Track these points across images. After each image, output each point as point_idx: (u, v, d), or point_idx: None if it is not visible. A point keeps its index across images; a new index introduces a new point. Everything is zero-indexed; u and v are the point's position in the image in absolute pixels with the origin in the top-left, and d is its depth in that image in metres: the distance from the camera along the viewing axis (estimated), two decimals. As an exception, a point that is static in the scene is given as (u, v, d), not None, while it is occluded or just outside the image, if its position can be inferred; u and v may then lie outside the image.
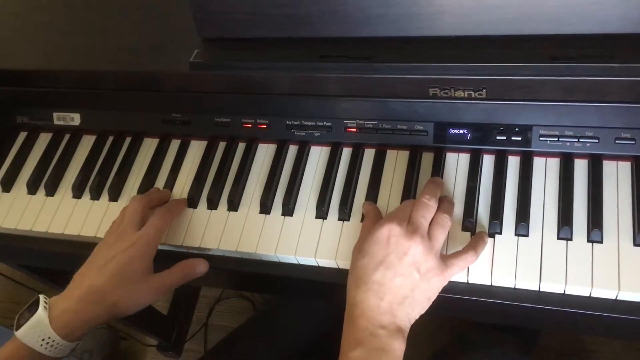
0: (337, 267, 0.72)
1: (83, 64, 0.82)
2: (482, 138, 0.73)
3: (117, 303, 0.68)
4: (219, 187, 0.79)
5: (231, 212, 0.78)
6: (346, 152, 0.79)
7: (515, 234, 0.68)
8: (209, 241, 0.76)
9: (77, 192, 0.84)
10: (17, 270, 1.12)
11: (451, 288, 0.66)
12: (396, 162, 0.76)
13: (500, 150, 0.73)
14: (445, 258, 0.64)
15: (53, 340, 0.66)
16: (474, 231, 0.69)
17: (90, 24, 0.88)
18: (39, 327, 0.65)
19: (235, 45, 0.77)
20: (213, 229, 0.77)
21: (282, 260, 0.74)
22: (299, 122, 0.79)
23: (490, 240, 0.68)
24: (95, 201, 0.83)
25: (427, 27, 0.69)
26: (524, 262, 0.66)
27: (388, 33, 0.71)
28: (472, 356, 0.83)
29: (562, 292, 0.65)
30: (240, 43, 0.77)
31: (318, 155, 0.80)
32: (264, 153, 0.82)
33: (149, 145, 0.86)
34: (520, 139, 0.71)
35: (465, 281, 0.67)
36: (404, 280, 0.61)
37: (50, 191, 0.85)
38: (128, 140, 0.88)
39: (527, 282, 0.65)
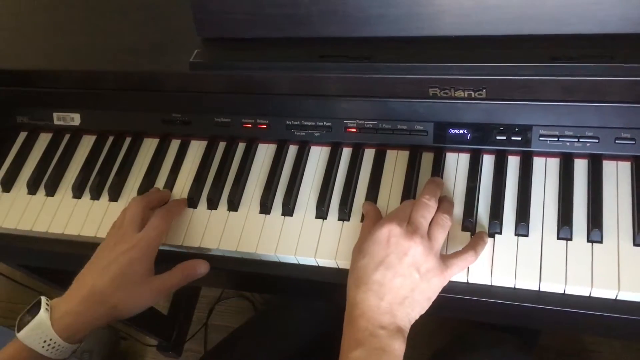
0: (337, 267, 0.72)
1: (83, 64, 0.82)
2: (482, 138, 0.73)
3: (118, 305, 0.69)
4: (219, 187, 0.79)
5: (231, 212, 0.78)
6: (346, 152, 0.79)
7: (515, 234, 0.68)
8: (209, 241, 0.76)
9: (77, 192, 0.84)
10: (17, 270, 1.12)
11: (451, 288, 0.66)
12: (396, 162, 0.76)
13: (500, 150, 0.73)
14: (445, 258, 0.64)
15: (55, 342, 0.66)
16: (473, 231, 0.69)
17: (90, 24, 0.88)
18: (40, 328, 0.66)
19: (235, 45, 0.77)
20: (213, 229, 0.77)
21: (282, 260, 0.74)
22: (299, 122, 0.79)
23: (490, 240, 0.68)
24: (95, 201, 0.83)
25: (427, 27, 0.69)
26: (523, 262, 0.66)
27: (388, 33, 0.71)
28: (472, 356, 0.83)
29: (562, 292, 0.65)
30: (240, 43, 0.77)
31: (318, 155, 0.80)
32: (264, 153, 0.82)
33: (149, 145, 0.86)
34: (520, 139, 0.71)
35: (465, 281, 0.67)
36: (404, 281, 0.61)
37: (50, 191, 0.85)
38: (128, 140, 0.88)
39: (527, 282, 0.65)
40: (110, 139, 0.88)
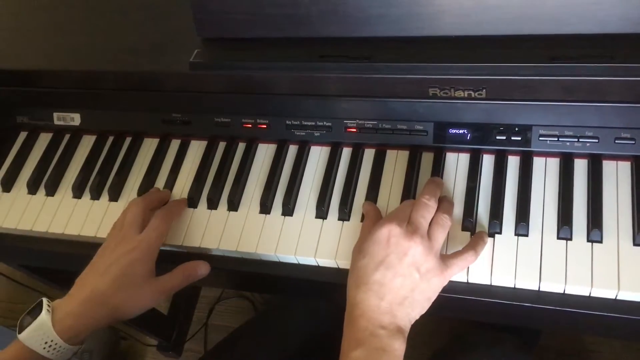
0: (337, 267, 0.72)
1: (83, 64, 0.82)
2: (482, 138, 0.73)
3: (119, 306, 0.69)
4: (219, 187, 0.79)
5: (231, 212, 0.78)
6: (346, 152, 0.79)
7: (515, 234, 0.68)
8: (209, 241, 0.76)
9: (77, 192, 0.84)
10: (18, 270, 1.12)
11: (451, 288, 0.66)
12: (396, 162, 0.76)
13: (500, 150, 0.73)
14: (445, 258, 0.64)
15: (56, 344, 0.66)
16: (473, 231, 0.69)
17: (90, 24, 0.88)
18: (42, 330, 0.66)
19: (235, 45, 0.77)
20: (213, 229, 0.77)
21: (282, 260, 0.74)
22: (299, 122, 0.79)
23: (490, 240, 0.68)
24: (96, 201, 0.83)
25: (427, 27, 0.69)
26: (523, 261, 0.66)
27: (388, 33, 0.71)
28: (472, 356, 0.83)
29: (562, 292, 0.65)
30: (240, 43, 0.77)
31: (318, 155, 0.80)
32: (264, 153, 0.82)
33: (149, 145, 0.86)
34: (520, 138, 0.71)
35: (465, 281, 0.67)
36: (404, 281, 0.61)
37: (51, 191, 0.85)
38: (128, 140, 0.88)
39: (527, 282, 0.65)
40: (110, 139, 0.88)
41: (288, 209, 0.76)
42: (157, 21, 0.84)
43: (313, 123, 0.78)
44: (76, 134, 0.90)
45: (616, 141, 0.69)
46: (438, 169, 0.74)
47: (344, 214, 0.74)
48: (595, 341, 1.33)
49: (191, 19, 0.75)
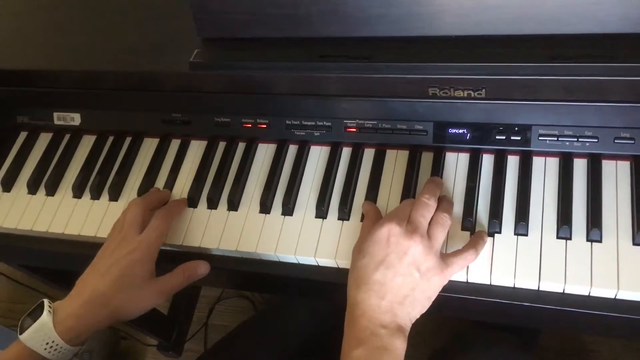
0: (336, 266, 0.72)
1: (83, 64, 0.82)
2: (481, 138, 0.73)
3: (120, 307, 0.69)
4: (219, 186, 0.79)
5: (231, 212, 0.78)
6: (346, 152, 0.79)
7: (515, 234, 0.68)
8: (209, 241, 0.76)
9: (78, 192, 0.84)
10: (18, 270, 1.12)
11: (451, 287, 0.66)
12: (396, 161, 0.77)
13: (499, 149, 0.73)
14: (445, 257, 0.64)
15: (57, 345, 0.66)
16: (473, 231, 0.69)
17: (90, 24, 0.88)
18: (43, 331, 0.66)
19: (235, 45, 0.77)
20: (213, 229, 0.77)
21: (282, 260, 0.74)
22: (298, 122, 0.79)
23: (489, 240, 0.68)
24: (96, 201, 0.83)
25: (427, 27, 0.69)
26: (523, 261, 0.66)
27: (388, 33, 0.71)
28: (472, 355, 0.83)
29: (562, 292, 0.65)
30: (240, 43, 0.77)
31: (318, 155, 0.80)
32: (264, 153, 0.82)
33: (149, 145, 0.87)
34: (519, 138, 0.71)
35: (465, 280, 0.67)
36: (404, 280, 0.61)
37: (51, 191, 0.85)
38: (128, 140, 0.88)
39: (527, 282, 0.65)
40: (110, 138, 0.89)
41: (288, 209, 0.76)
42: (157, 21, 0.84)
43: (313, 123, 0.78)
44: (76, 134, 0.90)
45: (616, 141, 0.69)
46: (438, 168, 0.74)
47: (344, 214, 0.74)
48: (595, 341, 1.33)
49: (191, 19, 0.75)
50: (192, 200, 0.79)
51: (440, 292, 0.64)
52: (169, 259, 0.74)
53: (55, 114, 0.89)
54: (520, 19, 0.66)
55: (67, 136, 0.90)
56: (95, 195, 0.83)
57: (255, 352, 0.92)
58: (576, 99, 0.67)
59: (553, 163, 0.72)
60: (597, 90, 0.65)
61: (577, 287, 0.64)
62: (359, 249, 0.65)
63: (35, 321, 0.66)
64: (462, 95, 0.69)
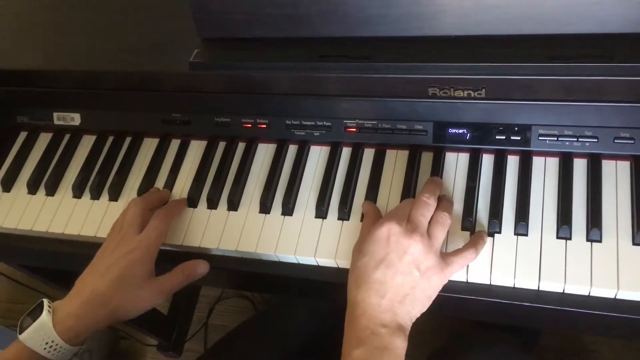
0: (336, 266, 0.72)
1: (83, 64, 0.82)
2: (481, 138, 0.73)
3: (119, 307, 0.69)
4: (219, 186, 0.79)
5: (231, 212, 0.78)
6: (346, 152, 0.79)
7: (515, 233, 0.68)
8: (209, 241, 0.76)
9: (77, 192, 0.84)
10: (18, 270, 1.12)
11: (451, 287, 0.66)
12: (396, 161, 0.77)
13: (499, 149, 0.73)
14: (445, 256, 0.64)
15: (56, 344, 0.66)
16: (473, 230, 0.69)
17: (90, 24, 0.88)
18: (42, 330, 0.66)
19: (235, 45, 0.77)
20: (213, 229, 0.77)
21: (282, 260, 0.74)
22: (298, 122, 0.79)
23: (489, 240, 0.68)
24: (96, 201, 0.83)
25: (427, 26, 0.69)
26: (523, 261, 0.66)
27: (388, 33, 0.71)
28: (472, 355, 0.83)
29: (562, 291, 0.65)
30: (240, 43, 0.77)
31: (318, 155, 0.80)
32: (264, 153, 0.82)
33: (149, 145, 0.87)
34: (519, 138, 0.71)
35: (465, 280, 0.67)
36: (404, 279, 0.61)
37: (51, 191, 0.85)
38: (128, 140, 0.88)
39: (527, 281, 0.65)
40: (110, 138, 0.89)
41: (288, 209, 0.76)
42: (157, 21, 0.84)
43: (313, 123, 0.79)
44: (76, 134, 0.90)
45: (615, 141, 0.69)
46: (438, 168, 0.74)
47: (344, 214, 0.74)
48: (595, 341, 1.33)
49: (191, 19, 0.75)
50: (192, 200, 0.79)
51: (440, 292, 0.64)
52: (169, 259, 0.74)
53: (55, 114, 0.89)
54: (520, 19, 0.66)
55: (67, 136, 0.90)
56: (95, 195, 0.83)
57: (255, 352, 0.92)
58: (576, 99, 0.67)
59: (553, 163, 0.72)
60: (596, 90, 0.65)
61: (577, 287, 0.64)
62: (359, 248, 0.65)
63: (34, 321, 0.66)
64: (462, 95, 0.69)
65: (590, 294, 0.64)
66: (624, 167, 0.70)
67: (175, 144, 0.86)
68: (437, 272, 0.62)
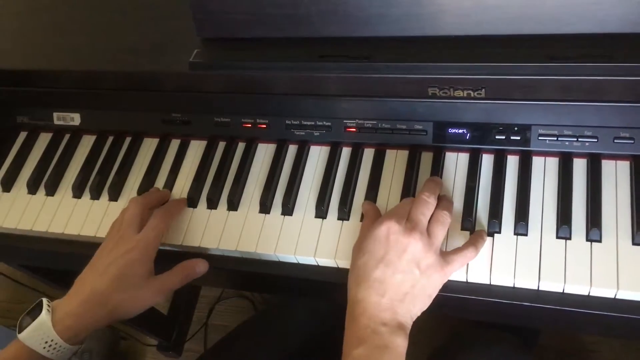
0: (336, 266, 0.72)
1: (83, 64, 0.82)
2: (481, 137, 0.73)
3: (118, 307, 0.69)
4: (219, 186, 0.79)
5: (231, 212, 0.78)
6: (346, 152, 0.79)
7: (514, 233, 0.68)
8: (208, 241, 0.76)
9: (77, 192, 0.84)
10: (18, 270, 1.12)
11: (450, 287, 0.66)
12: (395, 161, 0.77)
13: (499, 149, 0.73)
14: (445, 254, 0.64)
15: (56, 343, 0.66)
16: (473, 230, 0.69)
17: (90, 24, 0.88)
18: (42, 329, 0.66)
19: (235, 45, 0.77)
20: (213, 229, 0.77)
21: (281, 260, 0.74)
22: (298, 122, 0.79)
23: (489, 240, 0.68)
24: (95, 201, 0.83)
25: (426, 26, 0.69)
26: (523, 261, 0.66)
27: (388, 33, 0.71)
28: (471, 355, 0.83)
29: (561, 291, 0.65)
30: (240, 43, 0.77)
31: (317, 155, 0.80)
32: (264, 153, 0.82)
33: (149, 145, 0.87)
34: (519, 138, 0.71)
35: (464, 280, 0.67)
36: (404, 277, 0.61)
37: (51, 191, 0.85)
38: (128, 140, 0.88)
39: (526, 281, 0.65)
40: (110, 138, 0.89)
41: (288, 209, 0.76)
42: (157, 21, 0.84)
43: (313, 123, 0.79)
44: (76, 133, 0.90)
45: (615, 141, 0.69)
46: (437, 168, 0.74)
47: (344, 214, 0.74)
48: (595, 341, 1.33)
49: (191, 19, 0.75)
50: (191, 200, 0.79)
51: (440, 292, 0.64)
52: (169, 259, 0.74)
53: (55, 114, 0.89)
54: (520, 19, 0.66)
55: (67, 136, 0.90)
56: (95, 195, 0.83)
57: (255, 352, 0.92)
58: (576, 98, 0.67)
59: (553, 163, 0.72)
60: (596, 90, 0.65)
61: (577, 287, 0.64)
62: (359, 247, 0.65)
63: (34, 320, 0.66)
64: (461, 95, 0.69)
65: (590, 294, 0.64)
66: (624, 167, 0.70)
67: (175, 144, 0.86)
68: (437, 271, 0.62)
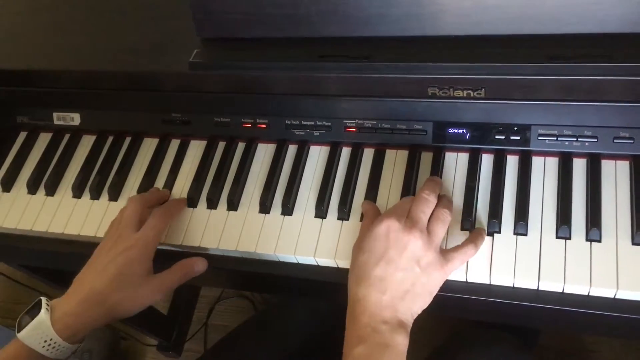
0: (336, 266, 0.72)
1: (83, 64, 0.82)
2: (481, 137, 0.73)
3: (117, 305, 0.69)
4: (219, 186, 0.80)
5: (231, 212, 0.78)
6: (345, 152, 0.79)
7: (514, 233, 0.68)
8: (208, 241, 0.76)
9: (77, 192, 0.84)
10: (18, 270, 1.12)
11: (450, 287, 0.66)
12: (395, 161, 0.77)
13: (499, 149, 0.73)
14: (445, 252, 0.64)
15: (55, 342, 0.66)
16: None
17: (91, 24, 0.88)
18: (41, 328, 0.66)
19: (235, 45, 0.77)
20: (213, 229, 0.77)
21: (281, 260, 0.74)
22: (298, 122, 0.79)
23: (489, 239, 0.68)
24: (95, 201, 0.83)
25: (426, 26, 0.69)
26: (522, 261, 0.66)
27: (388, 33, 0.71)
28: (471, 355, 0.83)
29: (561, 291, 0.65)
30: (240, 43, 0.77)
31: (317, 155, 0.80)
32: (264, 153, 0.82)
33: (149, 145, 0.87)
34: (519, 138, 0.71)
35: (464, 280, 0.67)
36: (404, 275, 0.61)
37: (50, 191, 0.85)
38: (128, 140, 0.88)
39: (526, 281, 0.65)
40: (110, 138, 0.89)
41: (287, 209, 0.76)
42: (157, 21, 0.84)
43: (312, 123, 0.79)
44: (76, 133, 0.90)
45: (615, 140, 0.69)
46: (437, 168, 0.74)
47: (344, 214, 0.74)
48: (595, 341, 1.33)
49: (191, 19, 0.76)
50: (191, 200, 0.79)
51: (440, 291, 0.64)
52: (169, 258, 0.74)
53: (55, 114, 0.89)
54: (520, 19, 0.66)
55: (67, 136, 0.90)
56: (95, 195, 0.83)
57: (255, 352, 0.92)
58: (575, 98, 0.67)
59: (552, 163, 0.72)
60: (596, 90, 0.65)
61: (577, 287, 0.64)
62: (359, 246, 0.65)
63: (33, 319, 0.66)
64: (461, 95, 0.69)
65: (590, 294, 0.64)
66: (624, 167, 0.70)
67: (175, 144, 0.86)
68: (437, 268, 0.62)
